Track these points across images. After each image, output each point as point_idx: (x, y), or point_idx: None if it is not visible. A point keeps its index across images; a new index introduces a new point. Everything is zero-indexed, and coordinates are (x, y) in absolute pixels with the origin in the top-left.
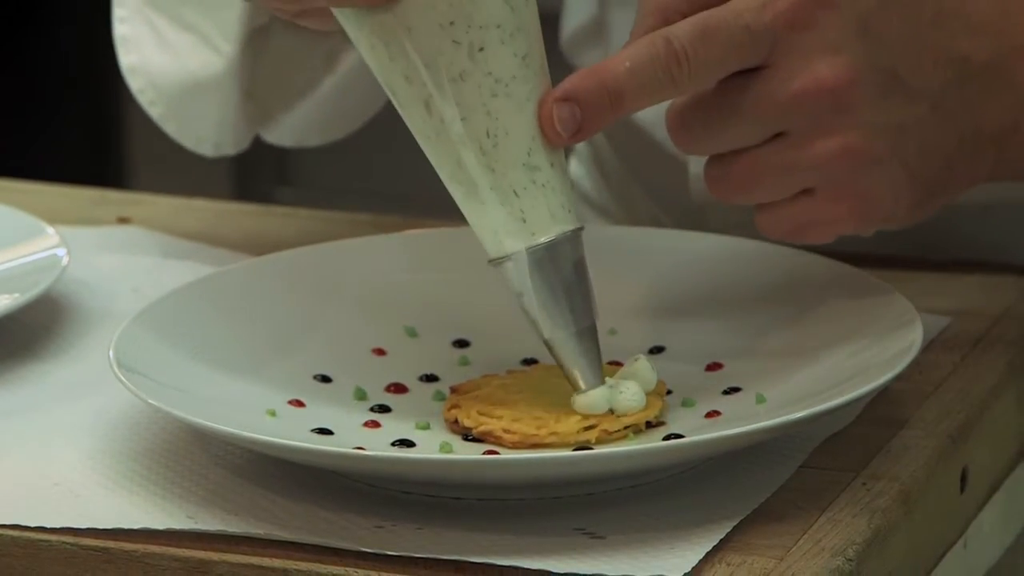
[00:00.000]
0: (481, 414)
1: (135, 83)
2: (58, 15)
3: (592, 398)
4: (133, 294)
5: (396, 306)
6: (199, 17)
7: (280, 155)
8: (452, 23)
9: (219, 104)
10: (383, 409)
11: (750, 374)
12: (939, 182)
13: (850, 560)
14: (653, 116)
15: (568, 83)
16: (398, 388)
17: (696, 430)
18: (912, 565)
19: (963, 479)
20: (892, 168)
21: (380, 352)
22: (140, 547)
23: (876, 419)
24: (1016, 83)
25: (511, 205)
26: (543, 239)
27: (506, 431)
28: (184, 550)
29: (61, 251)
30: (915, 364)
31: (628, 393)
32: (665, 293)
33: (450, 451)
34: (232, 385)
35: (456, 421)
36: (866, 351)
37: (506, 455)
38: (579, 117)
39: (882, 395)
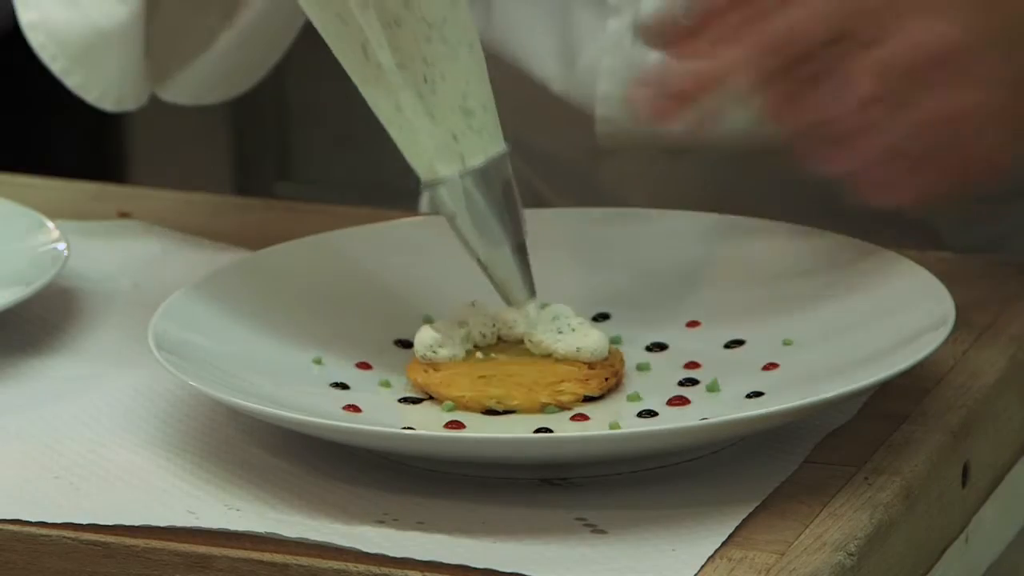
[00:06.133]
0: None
1: (35, 39)
2: None
3: (527, 312)
4: (133, 288)
5: (410, 294)
6: None
7: (281, 150)
8: None
9: (123, 56)
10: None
11: (762, 356)
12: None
13: (852, 555)
14: (554, 71)
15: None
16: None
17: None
18: (914, 560)
19: (965, 474)
20: (988, 125)
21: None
22: (140, 542)
23: (878, 413)
24: None
25: (449, 148)
26: (475, 164)
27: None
28: (184, 545)
29: (61, 245)
30: None
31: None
32: (660, 273)
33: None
34: (261, 368)
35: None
36: (893, 330)
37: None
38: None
39: (884, 389)
